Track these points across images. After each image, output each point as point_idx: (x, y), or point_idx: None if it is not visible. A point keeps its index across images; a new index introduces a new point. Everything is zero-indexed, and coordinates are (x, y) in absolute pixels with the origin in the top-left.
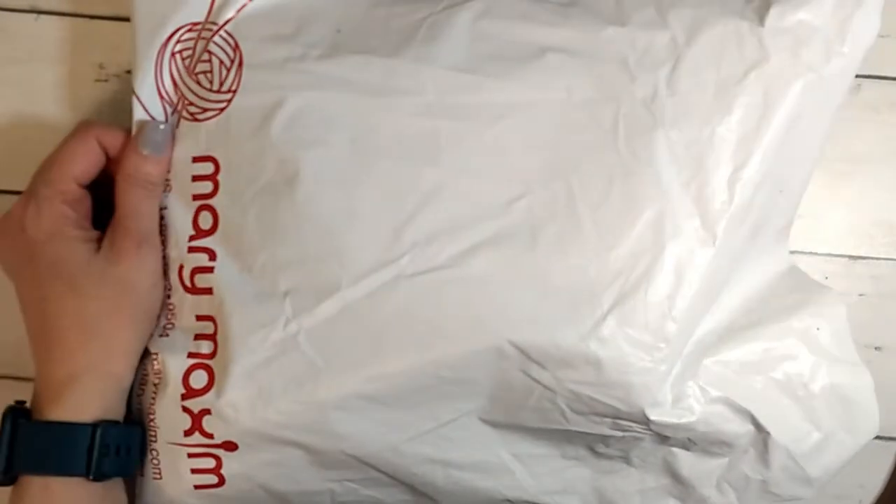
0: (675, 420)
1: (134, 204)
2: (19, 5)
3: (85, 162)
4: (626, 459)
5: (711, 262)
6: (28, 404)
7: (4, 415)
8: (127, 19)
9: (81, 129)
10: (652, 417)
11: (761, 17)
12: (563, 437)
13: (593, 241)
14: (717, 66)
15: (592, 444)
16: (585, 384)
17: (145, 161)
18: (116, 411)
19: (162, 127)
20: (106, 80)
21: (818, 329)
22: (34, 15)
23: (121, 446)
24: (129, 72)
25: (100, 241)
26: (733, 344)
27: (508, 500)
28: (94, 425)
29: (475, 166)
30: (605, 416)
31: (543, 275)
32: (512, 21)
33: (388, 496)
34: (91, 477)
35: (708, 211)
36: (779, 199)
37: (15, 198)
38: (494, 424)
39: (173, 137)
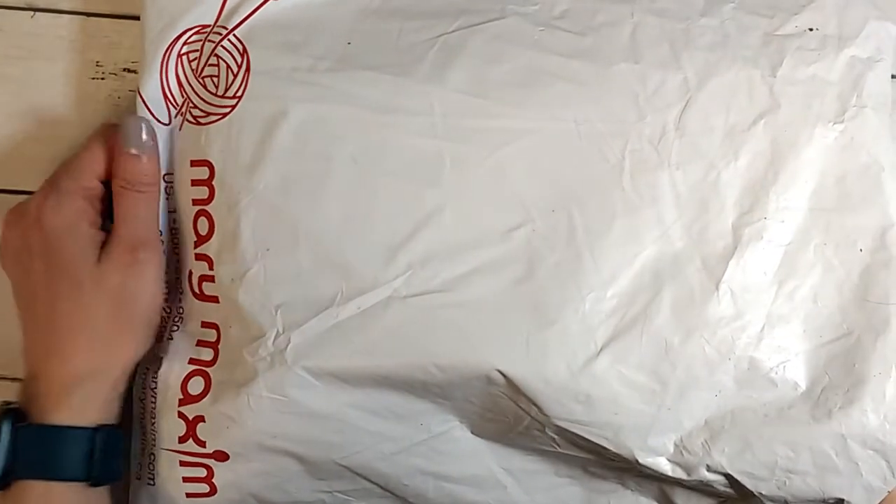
0: (667, 472)
1: (126, 208)
2: (16, 3)
3: (108, 160)
4: (621, 482)
5: (714, 306)
6: (17, 403)
7: (3, 417)
8: (124, 17)
9: (106, 128)
10: (641, 461)
11: (774, 67)
12: (556, 455)
13: (591, 275)
14: (727, 112)
15: (586, 465)
16: (574, 423)
17: (134, 160)
18: (113, 415)
19: (143, 123)
20: (103, 78)
21: None
22: (31, 12)
23: (115, 451)
24: (126, 69)
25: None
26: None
27: None
28: (96, 430)
29: (477, 191)
30: (595, 452)
31: (538, 305)
32: (524, 48)
33: None
34: (90, 482)
35: (709, 254)
36: None
37: (11, 197)
38: (487, 438)
39: (154, 136)
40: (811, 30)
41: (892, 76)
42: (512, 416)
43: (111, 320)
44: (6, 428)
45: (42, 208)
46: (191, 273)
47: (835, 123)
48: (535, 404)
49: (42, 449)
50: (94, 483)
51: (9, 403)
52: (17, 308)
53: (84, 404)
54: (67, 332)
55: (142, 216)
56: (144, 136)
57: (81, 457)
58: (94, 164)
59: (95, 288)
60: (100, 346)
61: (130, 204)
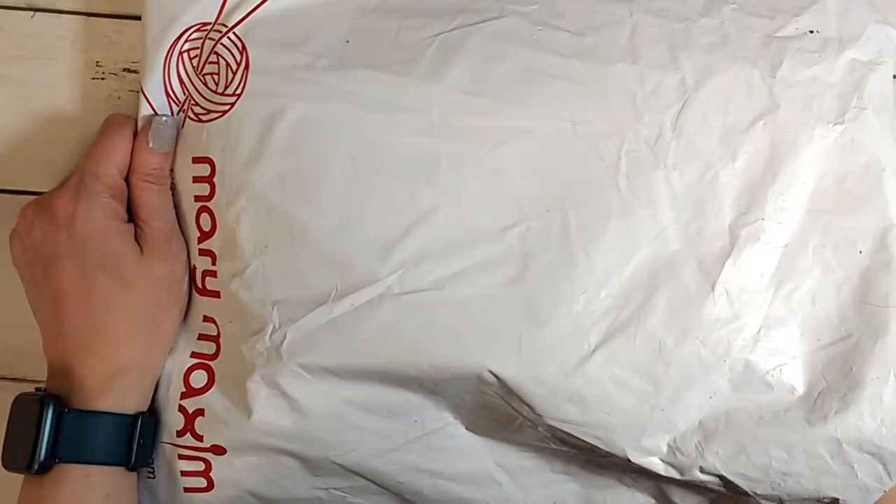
0: (660, 472)
1: (153, 203)
2: (16, 3)
3: (125, 152)
4: (618, 478)
5: (710, 307)
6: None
7: (43, 402)
8: (124, 17)
9: (115, 121)
10: (634, 461)
11: (773, 68)
12: (552, 452)
13: (585, 275)
14: (725, 112)
15: (582, 461)
16: (566, 423)
17: (155, 155)
18: (148, 403)
19: (167, 120)
20: (102, 78)
21: None
22: (31, 12)
23: (151, 437)
24: (126, 69)
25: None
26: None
27: None
28: (136, 416)
29: (472, 190)
30: (589, 450)
31: (531, 305)
32: (523, 47)
33: None
34: (130, 467)
35: (706, 255)
36: None
37: (11, 197)
38: (481, 434)
39: (178, 133)
40: (812, 32)
41: (893, 76)
42: (504, 415)
43: (157, 310)
44: (50, 412)
45: (74, 212)
46: (194, 268)
47: (835, 124)
48: (527, 404)
49: (86, 434)
50: (132, 468)
51: (43, 390)
52: (34, 306)
53: (127, 393)
54: (108, 326)
55: (167, 208)
56: (167, 135)
57: (123, 442)
58: (115, 160)
59: (141, 280)
60: (145, 336)
61: (155, 198)
